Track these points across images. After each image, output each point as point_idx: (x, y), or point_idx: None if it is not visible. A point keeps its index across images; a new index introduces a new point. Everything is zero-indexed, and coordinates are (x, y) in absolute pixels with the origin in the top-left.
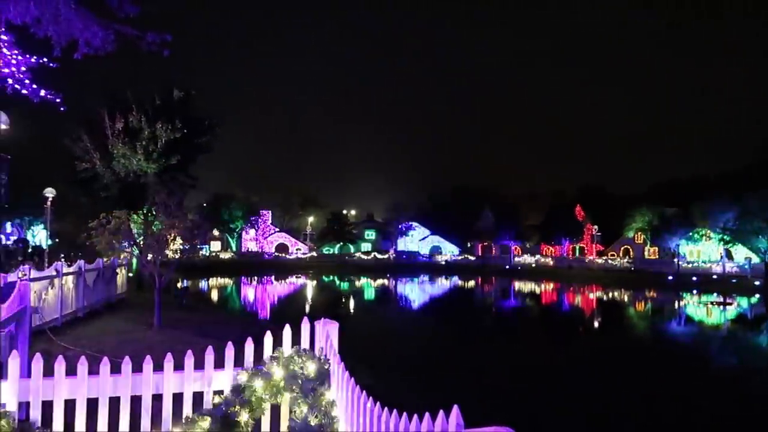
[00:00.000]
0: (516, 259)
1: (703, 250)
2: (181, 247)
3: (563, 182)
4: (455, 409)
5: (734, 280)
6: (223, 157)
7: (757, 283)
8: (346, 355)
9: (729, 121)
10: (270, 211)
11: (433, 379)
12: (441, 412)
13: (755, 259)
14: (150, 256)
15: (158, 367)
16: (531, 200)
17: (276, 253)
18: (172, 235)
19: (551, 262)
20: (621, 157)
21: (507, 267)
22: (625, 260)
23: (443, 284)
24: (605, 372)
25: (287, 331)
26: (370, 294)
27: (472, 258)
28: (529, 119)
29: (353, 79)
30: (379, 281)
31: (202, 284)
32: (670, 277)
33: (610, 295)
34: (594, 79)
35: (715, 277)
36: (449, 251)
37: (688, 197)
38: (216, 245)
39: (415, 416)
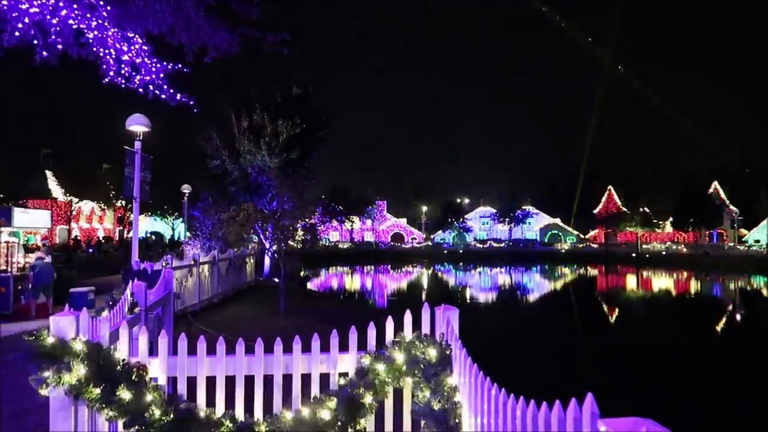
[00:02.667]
0: (644, 246)
1: None
2: (303, 237)
3: (697, 165)
4: (589, 396)
5: None
6: (339, 150)
7: None
8: (467, 343)
9: None
10: (385, 201)
11: (556, 370)
12: (573, 400)
13: None
14: (276, 247)
15: (287, 349)
16: (661, 184)
17: (392, 242)
18: (295, 226)
19: (684, 250)
20: (763, 136)
21: (634, 255)
22: None
23: (562, 273)
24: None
25: (408, 317)
26: (485, 282)
27: (594, 245)
28: (657, 98)
29: (467, 65)
30: (495, 270)
31: (323, 273)
32: None
33: (748, 283)
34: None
35: None
36: (570, 238)
37: None
38: (335, 235)
39: (544, 404)
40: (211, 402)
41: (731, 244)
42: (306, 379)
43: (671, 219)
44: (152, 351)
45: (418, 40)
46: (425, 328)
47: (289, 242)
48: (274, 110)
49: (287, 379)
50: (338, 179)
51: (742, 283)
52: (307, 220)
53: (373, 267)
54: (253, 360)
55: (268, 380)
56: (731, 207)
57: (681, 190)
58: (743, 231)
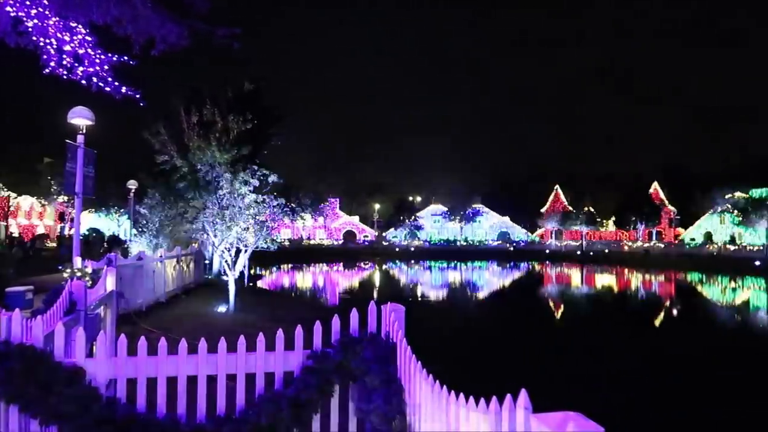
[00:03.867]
0: (588, 244)
1: None
2: (254, 235)
3: (642, 165)
4: (523, 392)
5: None
6: (292, 147)
7: None
8: (412, 340)
9: None
10: (338, 199)
11: (498, 365)
12: (508, 396)
13: None
14: (225, 244)
15: (232, 349)
16: (606, 183)
17: (344, 240)
18: (245, 224)
19: (626, 248)
20: (707, 137)
21: (579, 252)
22: (707, 245)
23: (511, 270)
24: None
25: (354, 315)
26: (436, 280)
27: (542, 243)
28: (605, 99)
29: (417, 64)
30: (446, 267)
31: (275, 271)
32: (758, 263)
33: (686, 280)
34: (677, 57)
35: None
36: (518, 237)
37: None
38: (286, 233)
39: (482, 399)
40: (152, 404)
41: (668, 242)
42: (251, 378)
43: (614, 218)
44: (92, 352)
45: (372, 37)
46: (371, 326)
47: (239, 240)
48: (225, 105)
49: (233, 378)
50: (291, 177)
51: (679, 279)
52: (258, 217)
53: (325, 265)
54: (196, 360)
55: (213, 380)
56: (669, 206)
57: (623, 190)
58: (680, 230)
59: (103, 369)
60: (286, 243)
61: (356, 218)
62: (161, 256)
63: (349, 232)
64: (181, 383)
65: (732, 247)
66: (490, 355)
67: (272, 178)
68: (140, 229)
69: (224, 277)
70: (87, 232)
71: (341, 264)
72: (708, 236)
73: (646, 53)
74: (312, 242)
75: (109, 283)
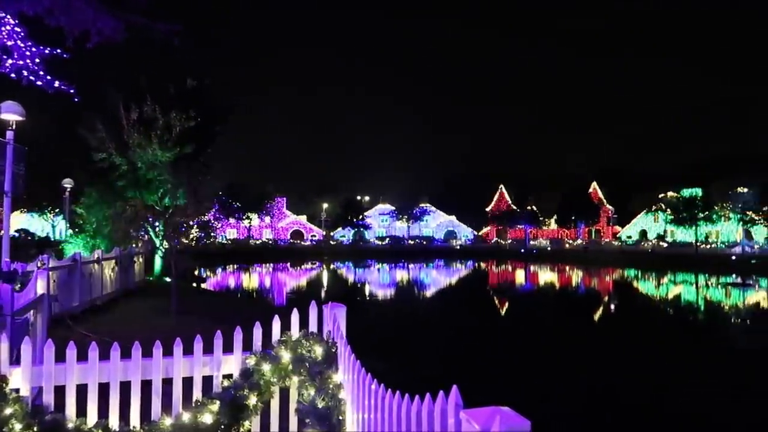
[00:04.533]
0: (531, 242)
1: (722, 231)
2: (198, 235)
3: (582, 165)
4: (454, 389)
5: (753, 261)
6: (238, 146)
7: None
8: (355, 339)
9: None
10: (285, 198)
11: (440, 362)
12: (441, 393)
13: None
14: (166, 244)
15: (170, 352)
16: (549, 183)
17: (291, 240)
18: (189, 223)
19: (567, 245)
20: (646, 139)
21: (522, 251)
22: (645, 243)
23: (457, 268)
24: (619, 355)
25: (295, 315)
26: (383, 279)
27: (487, 242)
28: (551, 102)
29: (366, 66)
30: (393, 266)
31: (219, 271)
32: (688, 258)
33: (622, 276)
34: (621, 63)
35: (733, 258)
36: (464, 235)
37: (709, 178)
38: (232, 233)
39: (417, 397)
40: (82, 412)
41: (607, 240)
42: (189, 382)
43: (556, 216)
44: (18, 359)
45: (323, 37)
46: (312, 326)
47: (182, 239)
48: (167, 102)
49: (169, 383)
50: (237, 175)
51: (616, 275)
52: (201, 217)
53: (271, 265)
54: (129, 365)
55: (149, 386)
56: (608, 206)
57: (565, 190)
58: (617, 228)
59: (28, 377)
60: (231, 243)
61: (304, 217)
62: (98, 257)
63: (297, 232)
64: (113, 389)
65: (664, 245)
66: (434, 353)
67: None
68: (76, 230)
69: (167, 279)
70: (16, 234)
71: (288, 264)
72: (643, 234)
73: (590, 55)
74: (258, 242)
75: (40, 286)
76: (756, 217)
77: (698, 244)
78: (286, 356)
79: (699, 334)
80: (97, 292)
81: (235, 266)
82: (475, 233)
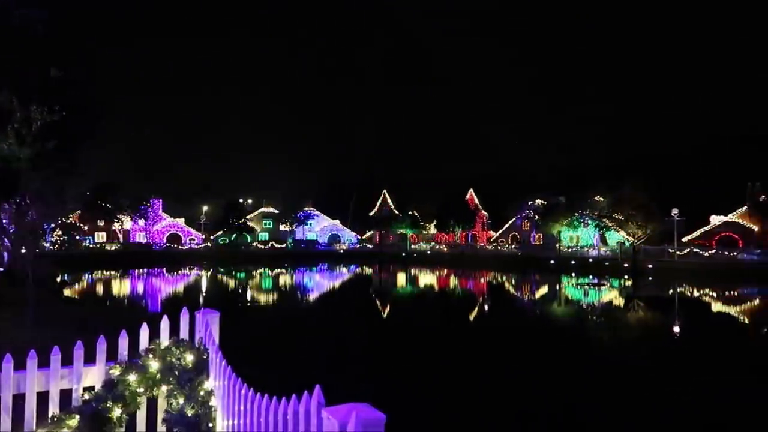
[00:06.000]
0: (412, 246)
1: (581, 236)
2: (61, 238)
3: (460, 172)
4: (317, 388)
5: (607, 263)
6: (112, 144)
7: (626, 265)
8: (231, 345)
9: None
10: (161, 200)
11: (314, 365)
12: (305, 393)
13: (627, 244)
14: (24, 249)
15: (24, 366)
16: (429, 188)
17: (167, 244)
18: (51, 226)
19: (445, 249)
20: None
21: (403, 254)
22: (513, 246)
23: (340, 272)
24: (479, 348)
25: (165, 322)
26: (264, 283)
27: (370, 246)
28: (430, 107)
29: (252, 67)
30: (276, 271)
31: (86, 278)
32: (552, 261)
33: (495, 278)
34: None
35: (590, 260)
36: (347, 239)
37: (572, 186)
38: (101, 236)
39: (284, 398)
40: None
41: (482, 244)
42: (45, 397)
43: (435, 221)
44: None
45: (207, 34)
46: (183, 333)
47: (42, 243)
48: (26, 93)
49: (23, 399)
50: (110, 175)
51: (490, 278)
52: (64, 219)
53: (145, 270)
54: None
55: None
56: (483, 211)
57: (444, 196)
58: (491, 232)
59: None
60: (103, 246)
61: (182, 220)
62: None
63: (174, 235)
64: None
65: (538, 245)
66: (310, 356)
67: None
68: None
69: (23, 286)
70: None
71: (164, 269)
72: (514, 238)
73: (467, 64)
74: (131, 245)
75: None
76: (609, 223)
77: (560, 247)
78: (154, 365)
79: (558, 330)
80: None
81: (105, 272)
82: (359, 237)
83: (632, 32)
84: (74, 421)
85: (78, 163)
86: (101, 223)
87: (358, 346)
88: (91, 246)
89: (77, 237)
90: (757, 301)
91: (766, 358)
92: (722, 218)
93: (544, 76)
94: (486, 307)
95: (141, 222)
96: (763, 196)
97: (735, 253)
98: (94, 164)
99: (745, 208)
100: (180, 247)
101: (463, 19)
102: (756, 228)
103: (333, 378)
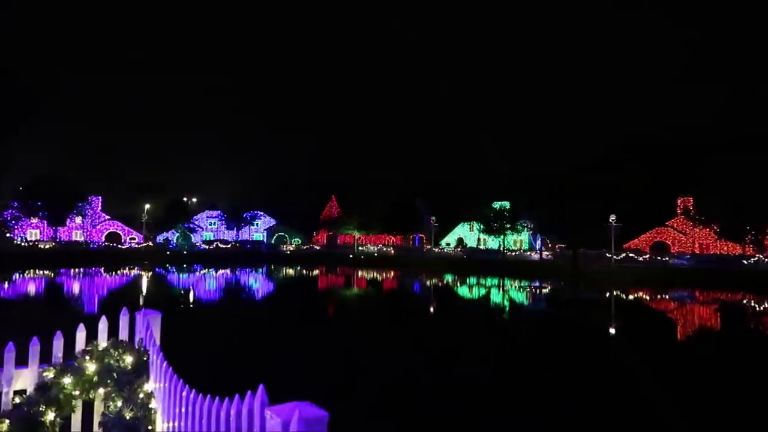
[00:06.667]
0: (360, 248)
1: (525, 240)
2: None
3: (409, 176)
4: (261, 388)
5: (548, 267)
6: (51, 138)
7: (566, 269)
8: (173, 346)
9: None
10: (101, 198)
11: (258, 365)
12: (249, 393)
13: (567, 249)
14: None
15: None
16: (379, 191)
17: (106, 243)
18: None
19: (393, 251)
20: (466, 156)
21: (351, 256)
22: (459, 249)
23: (286, 273)
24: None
25: (103, 323)
26: (208, 284)
27: (317, 247)
28: (384, 113)
29: (198, 63)
30: (221, 271)
31: (17, 277)
32: (497, 264)
33: (441, 281)
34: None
35: (533, 264)
36: (295, 241)
37: (517, 192)
38: (35, 234)
39: (227, 398)
40: None
41: (429, 247)
42: None
43: (384, 224)
44: None
45: (149, 35)
46: (123, 334)
47: None
48: None
49: None
50: (48, 170)
51: (436, 279)
52: None
53: (82, 270)
54: None
55: None
56: (431, 215)
57: (392, 199)
58: (438, 236)
59: None
60: (37, 244)
61: (122, 219)
62: None
63: (113, 234)
64: None
65: (482, 249)
66: (252, 356)
67: None
68: None
69: None
70: None
71: (102, 269)
72: (460, 242)
73: (410, 73)
74: (68, 243)
75: None
76: (551, 228)
77: (504, 251)
78: (91, 367)
79: (496, 330)
80: None
81: (38, 271)
82: (306, 239)
83: (569, 44)
84: (4, 426)
85: (11, 158)
86: (34, 221)
87: (303, 345)
88: (23, 244)
89: (8, 234)
90: (685, 303)
91: (691, 354)
92: (656, 225)
93: (491, 86)
94: (431, 309)
95: (78, 220)
96: (692, 206)
97: (667, 259)
98: (30, 159)
99: (676, 215)
100: (120, 246)
101: (414, 19)
102: (685, 235)
103: (278, 378)
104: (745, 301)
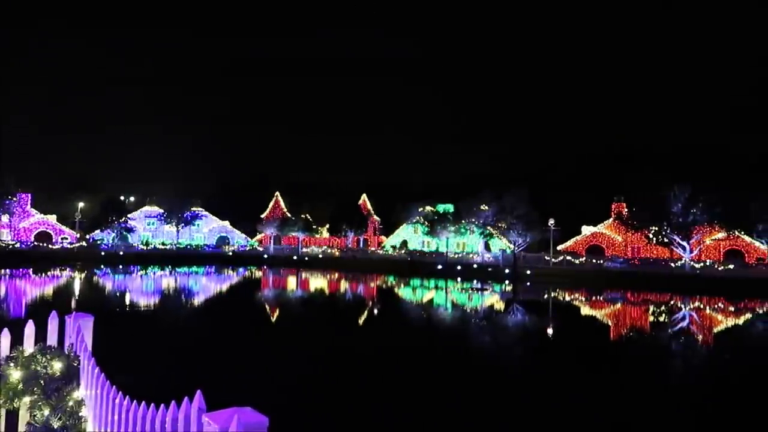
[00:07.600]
0: (304, 249)
1: (468, 242)
2: None
3: (354, 177)
4: (198, 394)
5: (490, 269)
6: None
7: (507, 271)
8: (106, 352)
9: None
10: (30, 195)
11: (196, 371)
12: (185, 399)
13: (508, 251)
14: None
15: None
16: (323, 192)
17: (36, 243)
18: None
19: (337, 253)
20: (411, 157)
21: (295, 258)
22: (403, 251)
23: (228, 275)
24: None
25: (30, 328)
26: (145, 286)
27: (260, 248)
28: (329, 114)
29: (139, 58)
30: (158, 273)
31: None
32: (440, 266)
33: (385, 282)
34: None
35: (475, 266)
36: (237, 241)
37: (460, 195)
38: None
39: (162, 405)
40: None
41: (373, 249)
42: None
43: (328, 225)
44: None
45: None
46: (51, 339)
47: None
48: None
49: None
50: None
51: (380, 282)
52: None
53: (7, 271)
54: None
55: None
56: (375, 217)
57: (337, 200)
58: (383, 237)
59: None
60: None
61: (53, 217)
62: None
63: (44, 233)
64: None
65: (426, 251)
66: (190, 362)
67: None
68: None
69: None
70: None
71: (30, 270)
72: (404, 244)
73: (364, 74)
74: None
75: None
76: (493, 231)
77: (447, 253)
78: (15, 374)
79: (439, 331)
80: None
81: None
82: (249, 239)
83: (523, 49)
84: None
85: None
86: None
87: (242, 350)
88: None
89: None
90: (617, 304)
91: (619, 353)
92: (592, 229)
93: (439, 90)
94: (374, 311)
95: (5, 218)
96: (625, 210)
97: (601, 261)
98: None
99: (610, 220)
100: (51, 246)
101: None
102: (619, 238)
103: (217, 384)
104: (672, 302)
